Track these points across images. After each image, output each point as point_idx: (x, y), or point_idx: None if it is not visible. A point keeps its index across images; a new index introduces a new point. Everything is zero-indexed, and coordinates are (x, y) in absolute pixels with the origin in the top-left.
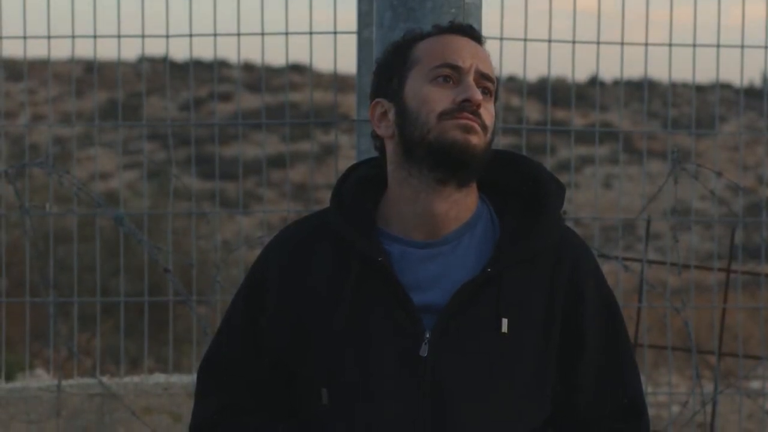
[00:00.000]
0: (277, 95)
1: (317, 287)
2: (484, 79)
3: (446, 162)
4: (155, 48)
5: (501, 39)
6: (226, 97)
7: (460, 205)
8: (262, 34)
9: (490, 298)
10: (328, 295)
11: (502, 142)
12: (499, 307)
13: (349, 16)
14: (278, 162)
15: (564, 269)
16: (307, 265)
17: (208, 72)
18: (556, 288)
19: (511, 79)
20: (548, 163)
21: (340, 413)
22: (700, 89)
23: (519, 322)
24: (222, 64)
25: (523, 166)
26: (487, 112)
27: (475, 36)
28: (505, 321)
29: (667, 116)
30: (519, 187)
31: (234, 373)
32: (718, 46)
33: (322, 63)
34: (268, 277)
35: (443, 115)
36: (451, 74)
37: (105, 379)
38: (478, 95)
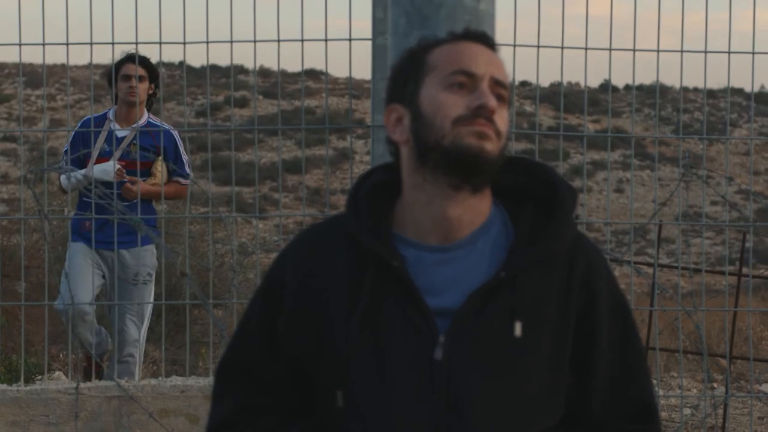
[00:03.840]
0: (293, 101)
1: (333, 291)
2: (498, 85)
3: (460, 167)
4: (172, 54)
5: (514, 45)
6: (242, 103)
7: (474, 209)
8: (278, 41)
9: (504, 302)
10: (344, 299)
11: (516, 147)
12: (513, 311)
13: (363, 23)
14: (294, 167)
15: (577, 272)
16: (323, 268)
17: (224, 78)
18: (570, 291)
19: (524, 85)
20: (561, 168)
21: (355, 415)
22: (712, 95)
23: (533, 325)
24: (238, 70)
25: (535, 171)
26: (501, 119)
27: (490, 43)
28: (519, 324)
29: (678, 122)
30: (532, 192)
31: (250, 374)
32: (729, 52)
33: (338, 69)
34: (285, 280)
35: (458, 121)
36: (466, 81)
37: (123, 381)
38: (492, 102)
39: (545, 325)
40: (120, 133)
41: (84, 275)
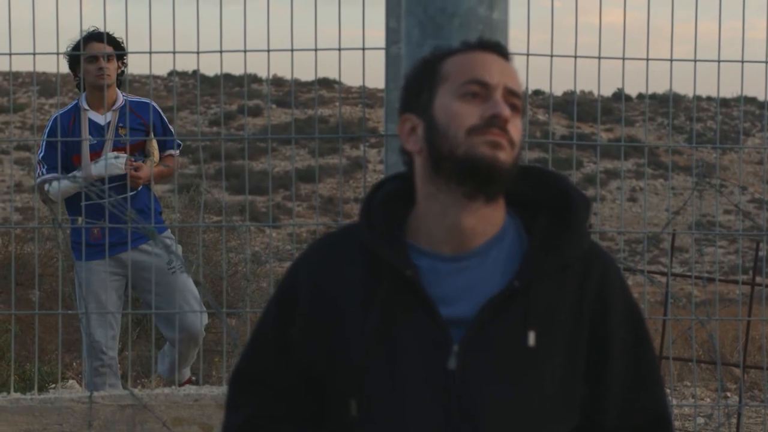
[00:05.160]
0: (307, 110)
1: (347, 300)
2: (511, 95)
3: (474, 177)
4: (186, 63)
5: (527, 55)
6: (255, 112)
7: (488, 219)
8: (292, 50)
9: (517, 311)
10: (358, 308)
11: (529, 156)
12: (527, 320)
13: (377, 33)
14: (307, 176)
15: (591, 282)
16: (337, 277)
17: (238, 87)
18: (583, 300)
19: (537, 94)
20: (574, 177)
21: (368, 424)
22: (725, 104)
23: (546, 334)
24: (252, 79)
25: (549, 180)
26: (515, 128)
27: (503, 53)
28: (532, 334)
29: (691, 131)
30: (546, 201)
31: (264, 383)
32: (743, 61)
33: (351, 78)
34: (299, 289)
35: (472, 131)
36: (480, 90)
37: (136, 390)
38: (506, 111)
39: (559, 334)
40: (102, 121)
41: (104, 315)
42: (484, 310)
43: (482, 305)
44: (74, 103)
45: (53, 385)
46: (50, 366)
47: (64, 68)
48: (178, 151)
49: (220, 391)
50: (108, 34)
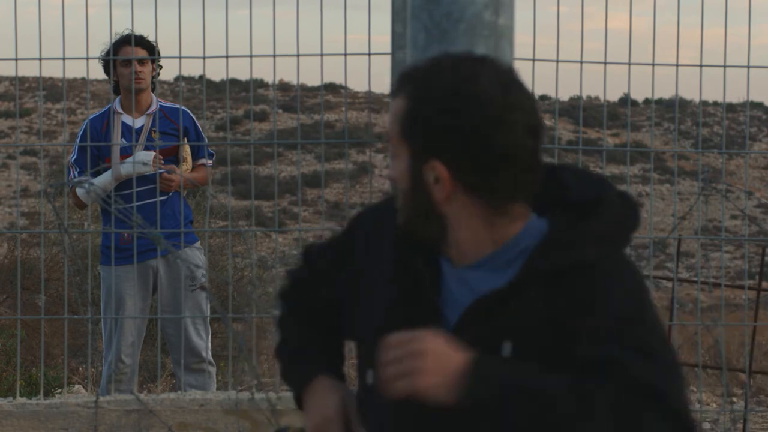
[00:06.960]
0: (313, 115)
1: (378, 274)
2: (389, 141)
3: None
4: (192, 68)
5: (533, 60)
6: (262, 117)
7: (488, 232)
8: (298, 55)
9: (498, 319)
10: (384, 282)
11: None
12: (504, 329)
13: (383, 38)
14: (313, 181)
15: (576, 293)
16: (379, 245)
17: (244, 92)
18: (567, 312)
19: (544, 99)
20: None
21: (377, 397)
22: (731, 109)
23: (524, 345)
24: (258, 84)
25: (591, 186)
26: (397, 173)
27: (396, 88)
28: (508, 344)
29: (697, 136)
30: (579, 206)
31: (315, 278)
32: (749, 66)
33: (357, 83)
34: (357, 240)
35: None
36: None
37: (142, 395)
38: (389, 173)
39: (537, 346)
40: (136, 123)
41: (123, 322)
42: (465, 314)
43: (465, 309)
44: (108, 106)
45: (59, 390)
46: (56, 371)
47: (70, 73)
48: (211, 161)
49: (226, 396)
50: (142, 37)
